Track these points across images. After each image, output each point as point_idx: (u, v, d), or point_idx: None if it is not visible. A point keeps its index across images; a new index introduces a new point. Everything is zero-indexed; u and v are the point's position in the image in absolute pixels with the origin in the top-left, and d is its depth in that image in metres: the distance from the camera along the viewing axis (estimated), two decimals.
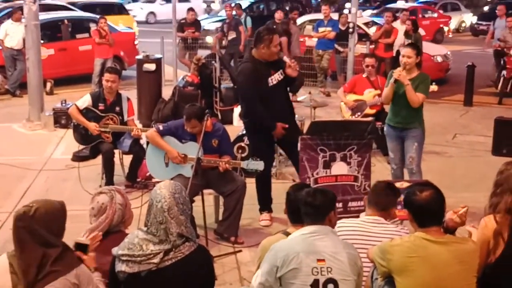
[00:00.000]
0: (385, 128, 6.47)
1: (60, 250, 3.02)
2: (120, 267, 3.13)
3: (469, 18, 26.82)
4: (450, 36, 23.36)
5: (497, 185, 3.85)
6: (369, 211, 4.10)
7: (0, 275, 3.05)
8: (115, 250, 3.18)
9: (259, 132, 6.01)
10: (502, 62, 12.82)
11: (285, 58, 5.96)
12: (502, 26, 13.59)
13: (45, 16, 13.12)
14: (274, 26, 13.02)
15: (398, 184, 5.69)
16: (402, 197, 5.39)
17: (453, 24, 25.22)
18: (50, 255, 2.97)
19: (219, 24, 16.68)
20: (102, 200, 3.58)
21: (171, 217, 3.12)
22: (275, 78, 5.88)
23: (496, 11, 14.53)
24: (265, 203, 6.25)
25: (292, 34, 12.29)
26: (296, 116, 6.52)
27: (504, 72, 12.44)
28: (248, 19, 14.23)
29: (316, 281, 3.27)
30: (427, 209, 3.40)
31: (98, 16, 13.48)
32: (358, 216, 4.17)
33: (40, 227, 3.00)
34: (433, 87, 6.96)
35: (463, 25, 26.81)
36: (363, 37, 13.70)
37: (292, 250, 3.33)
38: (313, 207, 3.48)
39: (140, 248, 3.09)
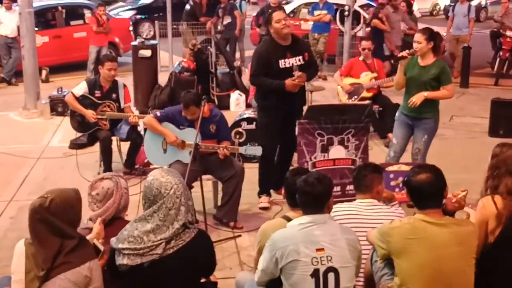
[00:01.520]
0: (396, 114, 6.14)
1: (76, 242, 3.02)
2: (122, 260, 3.10)
3: (443, 1, 26.21)
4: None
5: (493, 167, 3.84)
6: (360, 197, 4.13)
7: (17, 260, 3.08)
8: (114, 242, 3.15)
9: (269, 115, 5.98)
10: (498, 43, 12.80)
11: (296, 73, 5.76)
12: (463, 12, 12.52)
13: (39, 3, 13.03)
14: (270, 10, 13.01)
15: (395, 167, 5.74)
16: (400, 180, 5.47)
17: (424, 7, 24.48)
18: (66, 245, 2.99)
19: (134, 12, 16.10)
20: (107, 185, 3.56)
21: (182, 203, 3.12)
22: (290, 62, 5.81)
23: None
24: (265, 187, 6.26)
25: (391, 20, 11.56)
26: None
27: (500, 53, 12.44)
28: (243, 4, 14.11)
29: (316, 271, 3.25)
30: (424, 191, 3.41)
31: (93, 3, 13.38)
32: (355, 200, 4.19)
33: (56, 219, 3.01)
34: None
35: (438, 7, 26.32)
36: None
37: (291, 241, 3.29)
38: (312, 196, 3.40)
39: (141, 241, 3.07)
